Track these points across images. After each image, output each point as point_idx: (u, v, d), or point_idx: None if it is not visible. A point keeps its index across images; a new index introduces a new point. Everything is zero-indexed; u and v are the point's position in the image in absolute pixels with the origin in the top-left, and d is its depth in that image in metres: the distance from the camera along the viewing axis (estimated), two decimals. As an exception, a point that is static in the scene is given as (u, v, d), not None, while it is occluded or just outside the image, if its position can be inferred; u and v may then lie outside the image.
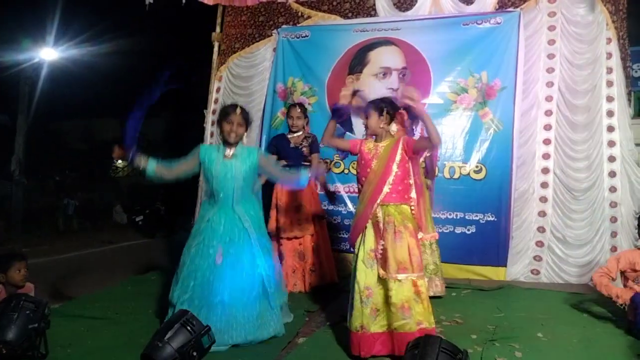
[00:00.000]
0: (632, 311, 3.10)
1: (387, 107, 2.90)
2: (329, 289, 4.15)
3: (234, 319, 2.94)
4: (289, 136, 4.39)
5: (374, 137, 2.97)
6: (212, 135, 5.87)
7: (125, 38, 11.85)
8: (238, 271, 3.01)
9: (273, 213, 4.28)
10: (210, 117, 5.89)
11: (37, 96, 11.61)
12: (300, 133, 4.36)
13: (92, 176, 16.82)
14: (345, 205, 5.09)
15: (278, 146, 4.39)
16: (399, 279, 2.68)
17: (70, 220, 11.70)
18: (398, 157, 2.81)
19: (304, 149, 4.31)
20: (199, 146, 3.22)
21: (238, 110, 3.12)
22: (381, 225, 2.78)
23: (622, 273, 3.41)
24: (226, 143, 3.14)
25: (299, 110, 4.35)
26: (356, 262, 2.83)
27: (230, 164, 3.09)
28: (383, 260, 2.74)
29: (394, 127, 2.92)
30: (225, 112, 3.14)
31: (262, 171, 3.24)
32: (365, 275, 2.76)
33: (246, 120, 3.16)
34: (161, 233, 9.78)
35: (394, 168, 2.80)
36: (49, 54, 11.11)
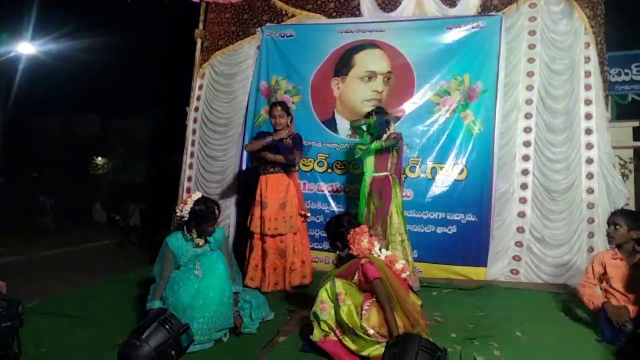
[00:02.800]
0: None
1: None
2: (310, 289, 4.13)
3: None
4: (274, 135, 4.34)
5: None
6: (194, 132, 5.81)
7: (106, 33, 11.64)
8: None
9: (257, 210, 4.24)
10: (192, 115, 5.83)
11: (14, 91, 11.34)
12: (285, 132, 4.33)
13: (72, 173, 16.50)
14: (328, 204, 5.09)
15: (260, 138, 4.32)
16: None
17: (47, 218, 11.46)
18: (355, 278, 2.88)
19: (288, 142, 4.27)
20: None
21: None
22: None
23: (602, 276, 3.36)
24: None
25: (280, 108, 4.30)
26: None
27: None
28: None
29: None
30: None
31: None
32: None
33: None
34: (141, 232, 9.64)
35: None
36: (26, 48, 10.86)
